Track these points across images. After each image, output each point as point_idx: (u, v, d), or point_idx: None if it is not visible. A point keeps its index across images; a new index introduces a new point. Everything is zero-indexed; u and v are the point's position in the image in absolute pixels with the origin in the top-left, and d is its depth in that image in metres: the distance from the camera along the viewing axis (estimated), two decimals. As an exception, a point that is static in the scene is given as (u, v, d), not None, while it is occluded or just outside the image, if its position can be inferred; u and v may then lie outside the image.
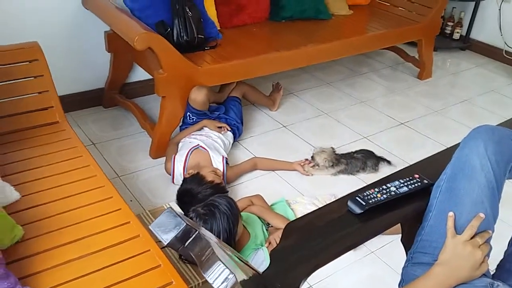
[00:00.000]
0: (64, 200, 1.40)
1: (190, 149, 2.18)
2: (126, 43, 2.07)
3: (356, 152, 2.40)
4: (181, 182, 2.02)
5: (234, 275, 0.53)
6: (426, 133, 2.75)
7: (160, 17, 2.30)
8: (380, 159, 2.41)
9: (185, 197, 1.86)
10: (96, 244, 1.25)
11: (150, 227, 0.66)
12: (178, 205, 1.87)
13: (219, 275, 0.55)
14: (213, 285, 0.55)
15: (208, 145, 2.21)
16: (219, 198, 1.60)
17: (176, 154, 2.21)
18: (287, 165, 2.32)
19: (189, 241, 0.62)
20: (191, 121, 2.37)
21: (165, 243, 0.63)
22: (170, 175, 2.18)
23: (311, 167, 2.31)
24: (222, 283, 0.54)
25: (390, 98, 3.16)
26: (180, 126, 2.40)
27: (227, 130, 2.39)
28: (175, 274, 1.19)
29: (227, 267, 0.54)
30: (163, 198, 2.07)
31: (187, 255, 0.71)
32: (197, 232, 0.64)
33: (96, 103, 2.72)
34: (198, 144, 2.22)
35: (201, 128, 2.35)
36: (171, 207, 0.71)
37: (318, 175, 2.33)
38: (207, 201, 1.61)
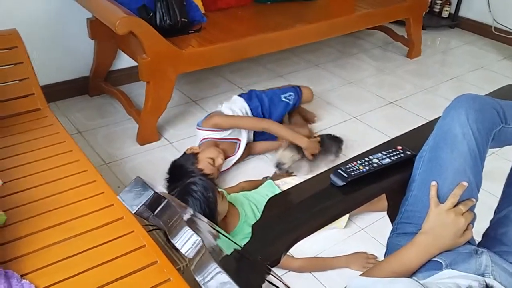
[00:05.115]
0: (46, 185, 1.38)
1: (234, 138, 2.16)
2: (109, 30, 2.03)
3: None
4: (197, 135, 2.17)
5: (202, 239, 0.53)
6: (416, 111, 2.74)
7: (142, 2, 2.27)
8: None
9: (177, 170, 1.85)
10: (80, 227, 1.23)
11: (118, 196, 0.65)
12: (168, 174, 1.85)
13: (188, 240, 0.54)
14: (182, 251, 0.54)
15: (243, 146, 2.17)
16: (195, 185, 1.55)
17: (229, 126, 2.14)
18: (297, 137, 2.11)
19: (158, 209, 0.61)
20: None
21: (133, 211, 0.62)
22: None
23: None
24: (190, 247, 0.54)
25: (379, 77, 3.14)
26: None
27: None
28: (160, 254, 1.18)
29: (194, 232, 0.54)
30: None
31: (157, 224, 0.70)
32: (166, 200, 0.63)
33: (82, 92, 2.68)
34: (241, 141, 2.18)
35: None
36: (139, 177, 0.70)
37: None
38: (182, 186, 1.58)
